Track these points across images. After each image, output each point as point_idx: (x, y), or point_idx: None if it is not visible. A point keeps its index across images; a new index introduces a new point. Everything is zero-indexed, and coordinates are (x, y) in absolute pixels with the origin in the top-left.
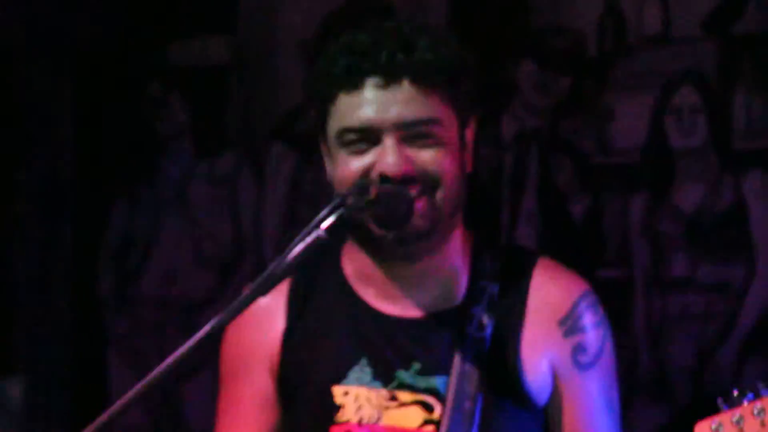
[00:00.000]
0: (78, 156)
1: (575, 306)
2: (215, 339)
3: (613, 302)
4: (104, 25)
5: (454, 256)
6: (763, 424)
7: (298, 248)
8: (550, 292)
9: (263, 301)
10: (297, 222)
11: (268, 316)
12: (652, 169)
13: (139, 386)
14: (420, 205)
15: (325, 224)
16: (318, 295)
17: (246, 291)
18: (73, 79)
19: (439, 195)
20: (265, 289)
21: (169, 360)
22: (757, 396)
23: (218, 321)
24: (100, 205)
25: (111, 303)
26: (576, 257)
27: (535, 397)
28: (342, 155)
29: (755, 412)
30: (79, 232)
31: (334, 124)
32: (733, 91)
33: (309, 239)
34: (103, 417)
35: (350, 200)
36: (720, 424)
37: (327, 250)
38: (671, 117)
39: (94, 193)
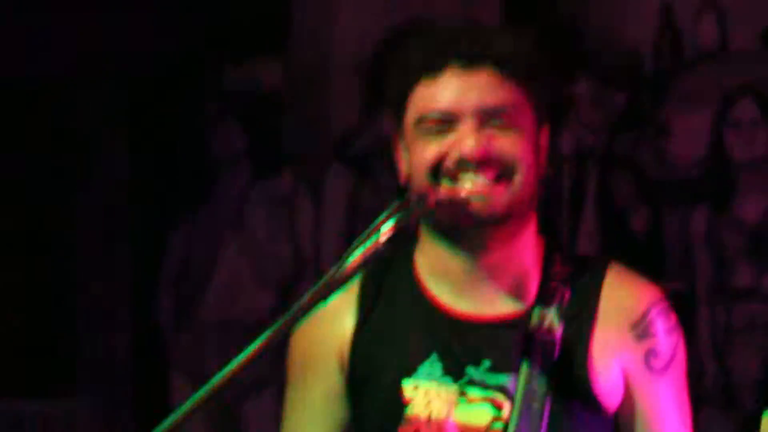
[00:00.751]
0: (135, 181)
1: (648, 311)
2: (275, 347)
3: (677, 314)
4: (157, 50)
5: (527, 253)
6: None
7: (356, 255)
8: (622, 296)
9: (332, 299)
10: (354, 240)
11: (338, 313)
12: (713, 181)
13: (199, 395)
14: (498, 190)
15: (384, 231)
16: (389, 291)
17: (305, 298)
18: (128, 105)
19: (517, 179)
20: (322, 297)
21: (230, 368)
22: None
23: (277, 328)
24: (159, 229)
25: (171, 326)
26: (638, 271)
27: (605, 401)
28: (419, 143)
29: None
30: (138, 257)
31: (412, 115)
32: None
33: (367, 245)
34: (163, 426)
35: (409, 205)
36: None
37: (400, 245)
38: (731, 130)
39: (152, 217)
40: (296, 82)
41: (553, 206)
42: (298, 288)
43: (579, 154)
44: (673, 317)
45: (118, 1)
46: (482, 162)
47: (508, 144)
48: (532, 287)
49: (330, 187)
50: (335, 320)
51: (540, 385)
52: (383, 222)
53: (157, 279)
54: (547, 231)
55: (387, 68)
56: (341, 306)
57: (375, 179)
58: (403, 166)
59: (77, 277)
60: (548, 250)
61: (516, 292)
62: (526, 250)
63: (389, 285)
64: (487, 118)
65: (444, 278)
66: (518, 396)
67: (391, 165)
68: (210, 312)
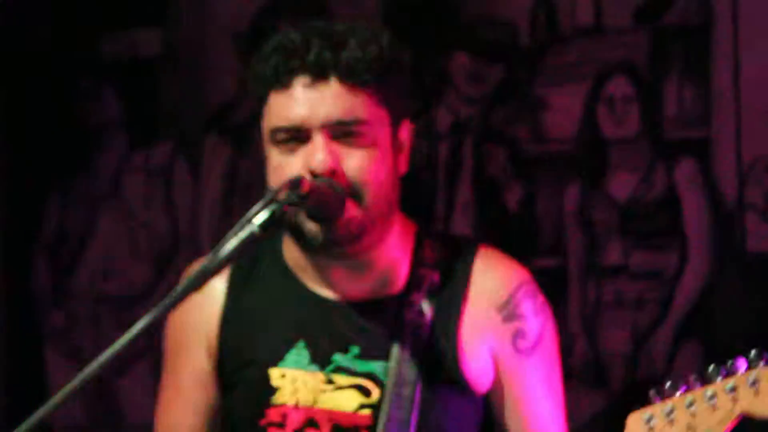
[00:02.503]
0: (9, 151)
1: (514, 293)
2: (151, 333)
3: (548, 290)
4: (32, 20)
5: (393, 249)
6: (693, 415)
7: (232, 243)
8: (489, 279)
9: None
10: (232, 213)
11: (208, 298)
12: (586, 158)
13: (76, 381)
14: (348, 209)
15: (258, 219)
16: (259, 277)
17: (181, 285)
18: (3, 74)
19: (367, 199)
20: (198, 285)
21: (106, 354)
22: (689, 388)
23: (154, 315)
24: (33, 199)
25: (46, 298)
26: (511, 246)
27: (475, 383)
28: (274, 153)
29: (687, 404)
30: (11, 227)
31: (267, 124)
32: (664, 81)
33: (242, 234)
34: (41, 412)
35: (283, 195)
36: (652, 416)
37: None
38: (604, 107)
39: (26, 187)
40: (174, 52)
41: (429, 180)
42: (174, 261)
43: (455, 128)
44: (541, 298)
45: None
46: (332, 175)
47: (357, 163)
48: (402, 273)
49: (208, 157)
50: (204, 306)
51: (410, 370)
52: (258, 211)
53: (32, 250)
54: (423, 205)
55: (246, 75)
56: (211, 292)
57: (253, 152)
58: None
59: None
60: (419, 236)
61: (384, 280)
62: (390, 246)
63: (259, 273)
64: (337, 131)
65: (309, 270)
66: (389, 381)
67: None
68: (84, 283)
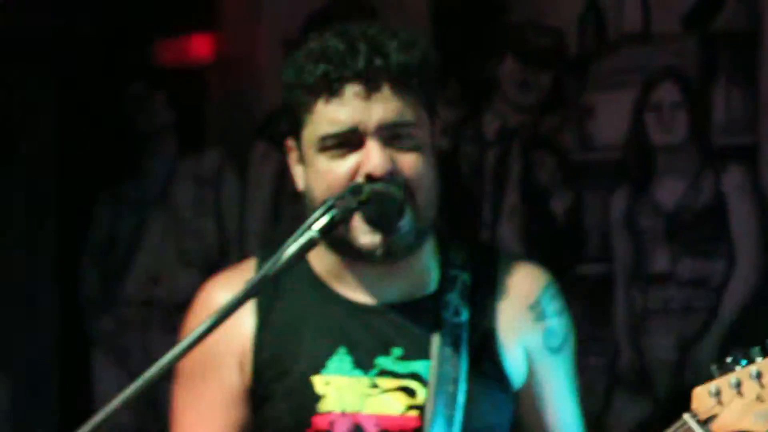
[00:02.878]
0: (61, 155)
1: (543, 293)
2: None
3: (595, 297)
4: (84, 24)
5: (427, 251)
6: (762, 386)
7: (291, 249)
8: (518, 279)
9: (224, 297)
10: (281, 220)
11: (236, 314)
12: (633, 165)
13: (129, 391)
14: (404, 218)
15: (317, 225)
16: (288, 291)
17: (244, 289)
18: (55, 79)
19: (420, 200)
20: (257, 290)
21: (160, 362)
22: (750, 361)
23: (210, 322)
24: (84, 204)
25: (95, 302)
26: (558, 253)
27: (513, 379)
28: (322, 161)
29: (753, 375)
30: (63, 232)
31: (313, 132)
32: (712, 88)
33: (302, 240)
34: (92, 422)
35: (343, 201)
36: (719, 389)
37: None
38: (651, 113)
39: (77, 192)
40: (225, 60)
41: (477, 187)
42: (222, 267)
43: (503, 135)
44: (563, 299)
45: None
46: (390, 179)
47: (409, 166)
48: (434, 275)
49: (256, 165)
50: (234, 321)
51: (453, 368)
52: (318, 217)
53: (82, 255)
54: (470, 211)
55: (283, 80)
56: (239, 309)
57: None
58: (299, 176)
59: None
60: (443, 237)
61: (418, 282)
62: (427, 249)
63: (287, 285)
64: (388, 134)
65: (343, 278)
66: (432, 381)
67: None
68: (133, 289)
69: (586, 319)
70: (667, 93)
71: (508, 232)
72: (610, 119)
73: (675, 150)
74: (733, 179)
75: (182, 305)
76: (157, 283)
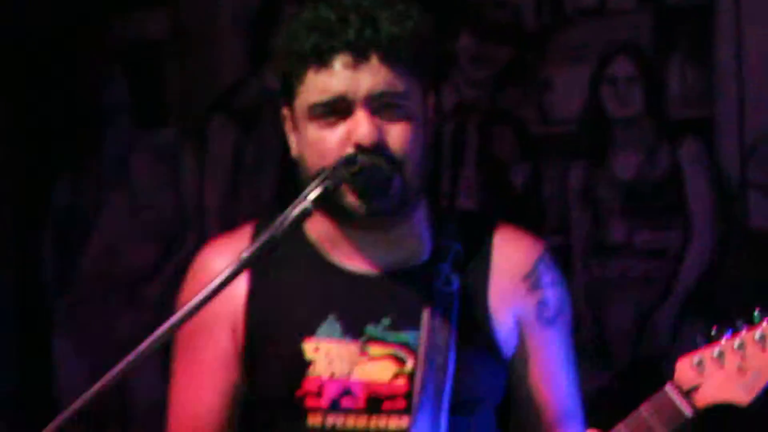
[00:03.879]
0: (18, 132)
1: (537, 263)
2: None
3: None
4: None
5: (420, 221)
6: (743, 357)
7: (288, 219)
8: (513, 249)
9: (221, 262)
10: (238, 195)
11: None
12: (590, 137)
13: (127, 362)
14: (393, 184)
15: (311, 195)
16: (280, 257)
17: (243, 257)
18: (13, 55)
19: (408, 170)
20: (254, 260)
21: (158, 332)
22: (735, 331)
23: (207, 292)
24: (45, 178)
25: (55, 279)
26: (517, 224)
27: (504, 349)
28: (312, 129)
29: (736, 346)
30: (21, 209)
31: (304, 100)
32: (668, 61)
33: (297, 210)
34: (85, 396)
35: (335, 172)
36: (701, 359)
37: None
38: (608, 87)
39: (38, 166)
40: (182, 34)
41: (435, 159)
42: (181, 241)
43: (461, 109)
44: (558, 269)
45: None
46: (378, 147)
47: (398, 134)
48: (426, 244)
49: (214, 139)
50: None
51: (442, 338)
52: (313, 188)
53: (41, 229)
54: (429, 185)
55: (275, 51)
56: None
57: (259, 133)
58: (293, 143)
59: None
60: (436, 208)
61: (411, 252)
62: (418, 218)
63: (279, 251)
64: (378, 105)
65: (337, 245)
66: (421, 349)
67: (275, 121)
68: (92, 264)
69: None
70: (623, 66)
71: (466, 206)
72: (567, 93)
73: (631, 123)
74: (689, 151)
75: (141, 279)
76: (115, 257)
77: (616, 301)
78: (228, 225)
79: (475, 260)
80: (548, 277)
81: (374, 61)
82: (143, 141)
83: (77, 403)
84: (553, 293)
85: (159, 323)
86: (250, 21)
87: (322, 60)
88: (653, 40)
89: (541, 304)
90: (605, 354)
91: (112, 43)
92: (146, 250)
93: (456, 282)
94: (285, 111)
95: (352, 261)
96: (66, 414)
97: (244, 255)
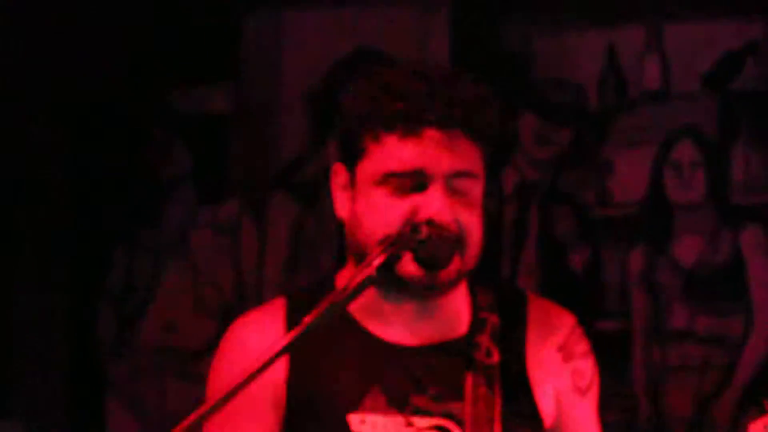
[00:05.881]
0: (78, 200)
1: (570, 334)
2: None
3: (613, 352)
4: (106, 72)
5: (459, 293)
6: None
7: (351, 285)
8: (546, 321)
9: (255, 338)
10: (298, 269)
11: (268, 353)
12: (652, 222)
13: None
14: (454, 261)
15: (376, 262)
16: (318, 329)
17: (297, 330)
18: (72, 126)
19: (468, 254)
20: (318, 326)
21: (201, 410)
22: None
23: (268, 360)
24: (101, 250)
25: (111, 349)
26: (576, 308)
27: (545, 420)
28: (381, 196)
29: None
30: (78, 277)
31: (377, 165)
32: (731, 147)
33: (361, 277)
34: None
35: (402, 239)
36: None
37: (321, 287)
38: (671, 171)
39: (94, 237)
40: (245, 109)
41: (496, 241)
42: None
43: (522, 190)
44: (588, 341)
45: (66, 25)
46: (448, 227)
47: (467, 219)
48: (464, 316)
49: (274, 215)
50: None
51: (487, 409)
52: (378, 254)
53: (98, 300)
54: (488, 265)
55: (345, 108)
56: (267, 344)
57: (319, 209)
58: (342, 207)
59: (15, 294)
60: (471, 279)
61: (450, 322)
62: (459, 291)
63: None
64: (454, 181)
65: (376, 315)
66: (467, 421)
67: None
68: (149, 336)
69: (604, 374)
70: (687, 151)
71: (526, 287)
72: (629, 176)
73: (693, 208)
74: (751, 238)
75: (198, 353)
76: (172, 331)
77: (676, 388)
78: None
79: (512, 332)
80: (582, 346)
81: (459, 139)
82: (204, 214)
83: None
84: (585, 363)
85: None
86: (312, 97)
87: (408, 128)
88: (717, 125)
89: (576, 374)
90: None
91: (177, 115)
92: (204, 324)
93: (496, 353)
94: (338, 168)
95: (392, 332)
96: None
97: (306, 319)
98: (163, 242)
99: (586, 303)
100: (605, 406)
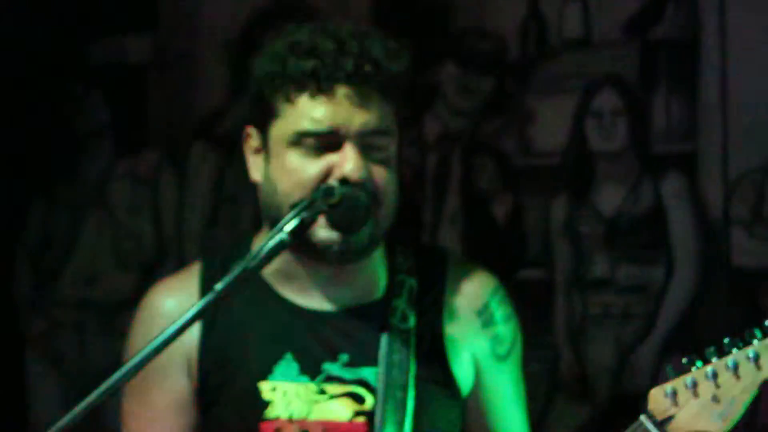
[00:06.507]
0: None
1: (490, 298)
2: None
3: (535, 302)
4: (22, 24)
5: (376, 256)
6: (717, 386)
7: (263, 251)
8: (465, 285)
9: (172, 304)
10: (218, 222)
11: (180, 317)
12: (573, 171)
13: (76, 411)
14: (366, 225)
15: (288, 227)
16: (230, 295)
17: (214, 291)
18: None
19: (382, 212)
20: (228, 293)
21: (115, 376)
22: (706, 362)
23: (180, 325)
24: (18, 204)
25: (29, 304)
26: (498, 257)
27: (461, 385)
28: (293, 156)
29: (709, 375)
30: None
31: (290, 126)
32: (653, 95)
33: (272, 242)
34: None
35: (314, 203)
36: (675, 389)
37: (238, 251)
38: (592, 120)
39: (10, 191)
40: (164, 60)
41: (417, 190)
42: (159, 269)
43: (444, 139)
44: (511, 304)
45: None
46: (362, 185)
47: (379, 176)
48: (381, 278)
49: (194, 166)
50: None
51: (401, 375)
52: (290, 218)
53: (15, 256)
54: (411, 215)
55: (255, 70)
56: (183, 311)
57: (240, 160)
58: (256, 170)
59: None
60: (391, 242)
61: (366, 288)
62: (377, 252)
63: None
64: (367, 140)
65: (291, 281)
66: (380, 387)
67: None
68: (68, 290)
69: (526, 324)
70: (608, 99)
71: (448, 236)
72: (550, 125)
73: (615, 157)
74: (672, 186)
75: (118, 307)
76: (92, 285)
77: (598, 337)
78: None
79: (430, 295)
80: (501, 312)
81: (372, 96)
82: (122, 166)
83: None
84: (506, 328)
85: None
86: (230, 46)
87: (320, 87)
88: (638, 73)
89: (495, 340)
90: (586, 390)
91: (93, 66)
92: (124, 277)
93: (412, 318)
94: (249, 131)
95: (307, 298)
96: None
97: (217, 287)
98: (82, 195)
99: (508, 252)
100: (527, 357)
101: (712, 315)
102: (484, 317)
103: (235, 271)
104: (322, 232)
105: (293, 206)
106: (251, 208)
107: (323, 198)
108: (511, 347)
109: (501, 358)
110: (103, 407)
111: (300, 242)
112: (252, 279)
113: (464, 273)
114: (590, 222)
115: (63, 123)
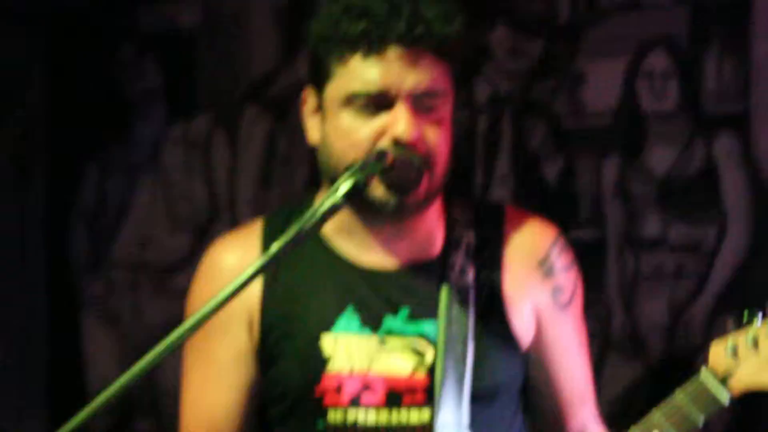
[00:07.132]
0: (50, 119)
1: (551, 249)
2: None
3: (587, 262)
4: None
5: (434, 213)
6: None
7: (318, 212)
8: (524, 237)
9: (233, 260)
10: (271, 184)
11: (243, 273)
12: (624, 132)
13: (140, 365)
14: (423, 182)
15: (342, 189)
16: (295, 250)
17: (272, 250)
18: (47, 42)
19: (437, 171)
20: (288, 251)
21: (172, 336)
22: (765, 315)
23: (241, 282)
24: (73, 168)
25: (84, 266)
26: (550, 218)
27: (522, 338)
28: (346, 117)
29: None
30: (51, 195)
31: (342, 86)
32: (704, 56)
33: (327, 204)
34: (97, 403)
35: (368, 165)
36: (735, 345)
37: (299, 209)
38: (643, 81)
39: (66, 155)
40: (215, 24)
41: (468, 152)
42: (212, 231)
43: (495, 101)
44: (571, 253)
45: None
46: (412, 146)
47: (433, 136)
48: (439, 236)
49: (247, 129)
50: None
51: (461, 328)
52: (343, 181)
53: (71, 219)
54: (462, 176)
55: (311, 32)
56: (244, 266)
57: (292, 123)
58: (314, 131)
59: None
60: (448, 198)
61: (424, 243)
62: (433, 210)
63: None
64: (420, 100)
65: (350, 237)
66: (440, 340)
67: None
68: (123, 252)
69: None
70: (659, 61)
71: (499, 198)
72: (601, 86)
73: (666, 117)
74: (724, 147)
75: (172, 268)
76: (146, 247)
77: (650, 296)
78: (260, 215)
79: (489, 249)
80: (563, 261)
81: (424, 57)
82: (175, 130)
83: (105, 394)
84: (566, 278)
85: None
86: (283, 10)
87: (371, 48)
88: (689, 34)
89: (556, 290)
90: (639, 348)
91: (144, 32)
92: (177, 239)
93: (471, 272)
94: (308, 93)
95: (366, 254)
96: (95, 404)
97: (273, 247)
98: (135, 159)
99: (559, 213)
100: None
101: (764, 274)
102: (545, 268)
103: (291, 232)
104: (378, 191)
105: (347, 168)
106: (304, 169)
107: (376, 161)
108: (572, 295)
109: (563, 308)
110: (160, 367)
111: (358, 203)
112: (309, 238)
113: (522, 225)
114: (642, 182)
115: (116, 88)
